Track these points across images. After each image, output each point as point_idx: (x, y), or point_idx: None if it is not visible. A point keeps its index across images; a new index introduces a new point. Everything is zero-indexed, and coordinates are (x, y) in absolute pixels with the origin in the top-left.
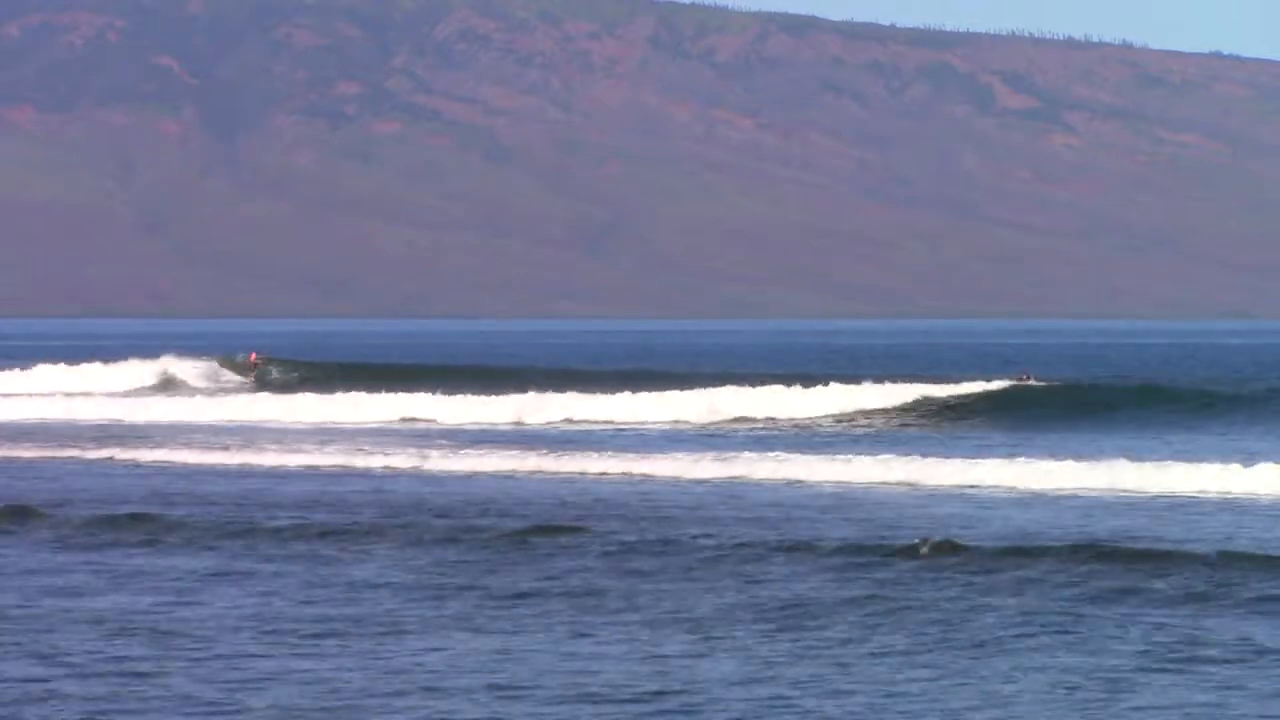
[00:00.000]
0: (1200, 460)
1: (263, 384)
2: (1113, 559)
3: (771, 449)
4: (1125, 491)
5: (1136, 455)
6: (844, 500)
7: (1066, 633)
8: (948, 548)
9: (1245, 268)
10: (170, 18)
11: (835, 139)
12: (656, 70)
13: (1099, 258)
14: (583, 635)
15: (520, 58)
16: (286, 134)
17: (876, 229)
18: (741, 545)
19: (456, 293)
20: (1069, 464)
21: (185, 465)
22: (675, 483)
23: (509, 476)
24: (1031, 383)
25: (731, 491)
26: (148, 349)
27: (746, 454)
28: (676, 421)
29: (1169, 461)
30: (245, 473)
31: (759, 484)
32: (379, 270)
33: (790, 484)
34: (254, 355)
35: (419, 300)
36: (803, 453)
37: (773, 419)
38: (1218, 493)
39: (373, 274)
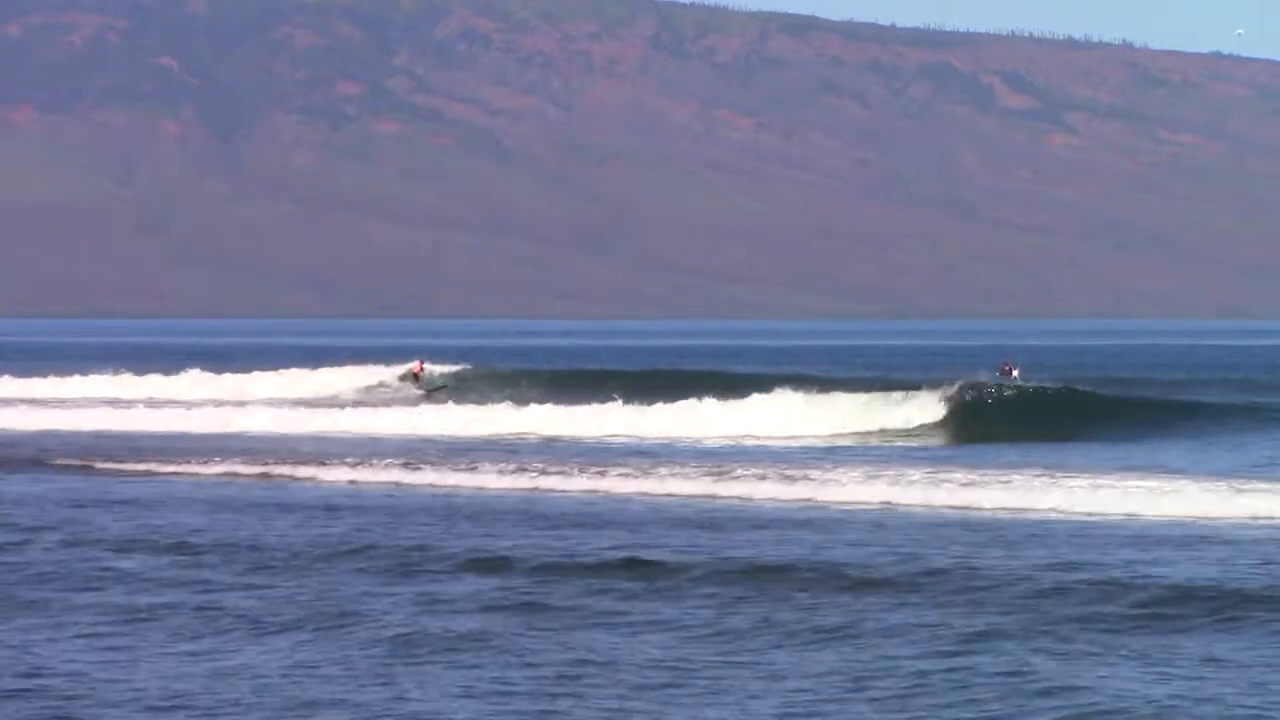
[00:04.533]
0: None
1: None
2: None
3: None
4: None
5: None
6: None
7: None
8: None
9: (1245, 268)
10: (170, 18)
11: (835, 139)
12: (656, 70)
13: (1099, 258)
14: None
15: (520, 58)
16: (286, 134)
17: (876, 229)
18: None
19: (456, 293)
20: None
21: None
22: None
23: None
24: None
25: None
26: (169, 350)
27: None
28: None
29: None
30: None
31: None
32: (379, 270)
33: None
34: (419, 364)
35: (419, 300)
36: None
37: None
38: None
39: (373, 274)
